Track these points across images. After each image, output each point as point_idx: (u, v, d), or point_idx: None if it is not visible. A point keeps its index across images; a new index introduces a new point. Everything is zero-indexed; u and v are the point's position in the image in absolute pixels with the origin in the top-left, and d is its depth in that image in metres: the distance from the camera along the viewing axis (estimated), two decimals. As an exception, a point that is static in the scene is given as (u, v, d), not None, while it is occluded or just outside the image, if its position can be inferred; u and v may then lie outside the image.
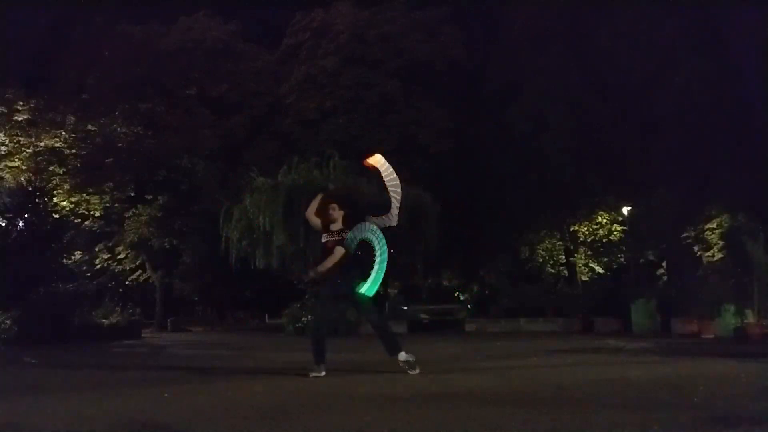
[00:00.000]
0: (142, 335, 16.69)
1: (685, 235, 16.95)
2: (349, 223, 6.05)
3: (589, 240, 22.46)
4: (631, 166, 17.99)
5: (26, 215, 15.56)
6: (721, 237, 15.72)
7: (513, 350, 9.70)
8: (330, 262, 5.85)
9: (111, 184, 21.71)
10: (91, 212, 22.02)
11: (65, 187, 20.66)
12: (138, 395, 4.89)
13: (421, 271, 21.67)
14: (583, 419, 3.53)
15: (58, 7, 21.72)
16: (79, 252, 19.88)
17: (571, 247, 23.11)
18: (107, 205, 22.29)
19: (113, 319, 15.59)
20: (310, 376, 5.70)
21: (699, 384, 5.01)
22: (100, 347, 11.96)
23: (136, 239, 22.68)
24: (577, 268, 22.91)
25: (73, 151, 20.59)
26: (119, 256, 24.11)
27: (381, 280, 6.00)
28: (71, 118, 20.32)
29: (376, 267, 5.94)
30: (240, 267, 18.20)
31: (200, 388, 5.34)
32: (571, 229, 22.64)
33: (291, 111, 24.30)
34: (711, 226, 16.29)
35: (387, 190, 6.32)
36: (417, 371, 5.83)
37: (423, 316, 19.99)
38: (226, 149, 23.71)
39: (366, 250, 6.07)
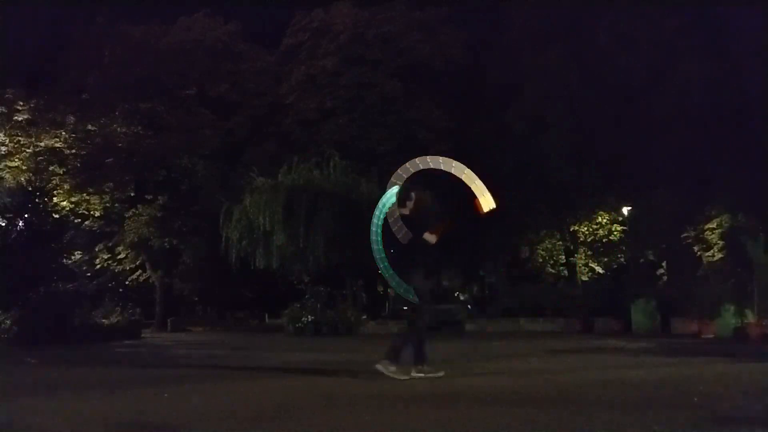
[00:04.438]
0: (142, 335, 16.69)
1: (685, 235, 16.92)
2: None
3: (589, 240, 22.44)
4: (631, 166, 17.96)
5: (26, 215, 15.56)
6: (721, 237, 15.70)
7: (513, 350, 9.70)
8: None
9: (111, 184, 21.72)
10: (91, 212, 22.05)
11: (65, 187, 20.67)
12: (138, 395, 4.89)
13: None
14: (583, 419, 3.53)
15: (58, 7, 21.74)
16: (79, 252, 19.88)
17: (571, 247, 23.09)
18: (107, 205, 22.31)
19: (113, 319, 15.63)
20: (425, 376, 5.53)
21: (699, 384, 5.01)
22: (100, 347, 11.97)
23: (136, 239, 22.68)
24: (577, 268, 22.88)
25: (73, 151, 20.61)
26: (119, 256, 24.12)
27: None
28: (71, 118, 20.33)
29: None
30: (240, 267, 18.22)
31: (200, 388, 5.34)
32: (571, 229, 22.62)
33: (291, 111, 24.27)
34: (711, 226, 16.26)
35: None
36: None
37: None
38: (226, 149, 23.69)
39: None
